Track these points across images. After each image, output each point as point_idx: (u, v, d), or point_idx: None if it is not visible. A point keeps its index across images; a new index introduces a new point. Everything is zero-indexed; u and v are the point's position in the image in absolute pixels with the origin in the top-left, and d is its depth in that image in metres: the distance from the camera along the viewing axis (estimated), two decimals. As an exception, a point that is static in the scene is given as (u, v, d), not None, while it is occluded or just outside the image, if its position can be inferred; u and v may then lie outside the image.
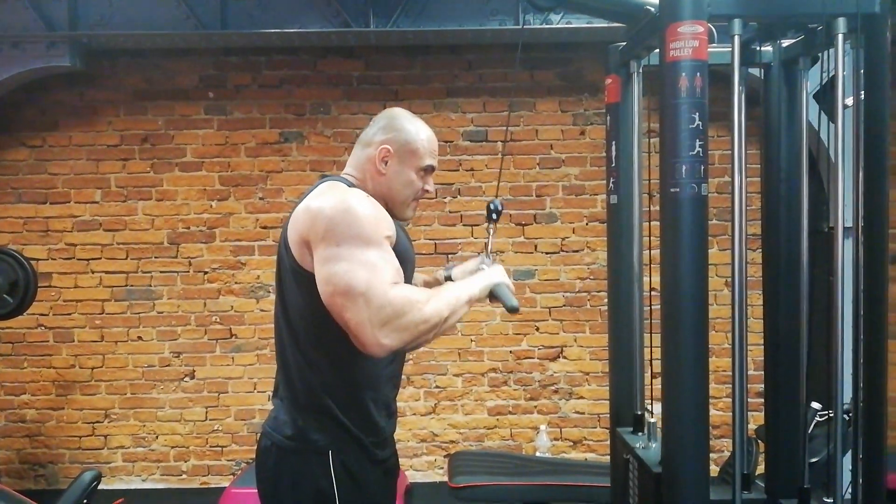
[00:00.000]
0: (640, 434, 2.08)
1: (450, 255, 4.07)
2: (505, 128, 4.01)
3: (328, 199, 1.49)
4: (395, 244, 1.51)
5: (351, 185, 1.60)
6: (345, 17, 3.68)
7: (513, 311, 1.58)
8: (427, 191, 1.66)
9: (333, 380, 1.54)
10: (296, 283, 1.52)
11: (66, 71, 3.83)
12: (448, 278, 1.86)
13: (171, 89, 4.06)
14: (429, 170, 1.64)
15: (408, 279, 1.60)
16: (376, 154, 1.60)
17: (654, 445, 1.97)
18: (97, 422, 4.11)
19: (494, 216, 1.82)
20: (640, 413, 2.13)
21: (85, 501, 2.26)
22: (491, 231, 1.82)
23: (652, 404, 2.10)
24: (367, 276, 1.40)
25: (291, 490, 1.55)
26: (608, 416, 2.33)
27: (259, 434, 1.67)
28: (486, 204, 1.83)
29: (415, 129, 1.62)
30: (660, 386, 1.73)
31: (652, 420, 2.01)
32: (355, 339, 1.43)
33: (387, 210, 1.62)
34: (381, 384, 1.60)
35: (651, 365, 2.10)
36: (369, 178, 1.62)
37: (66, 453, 4.13)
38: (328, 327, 1.47)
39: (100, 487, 2.34)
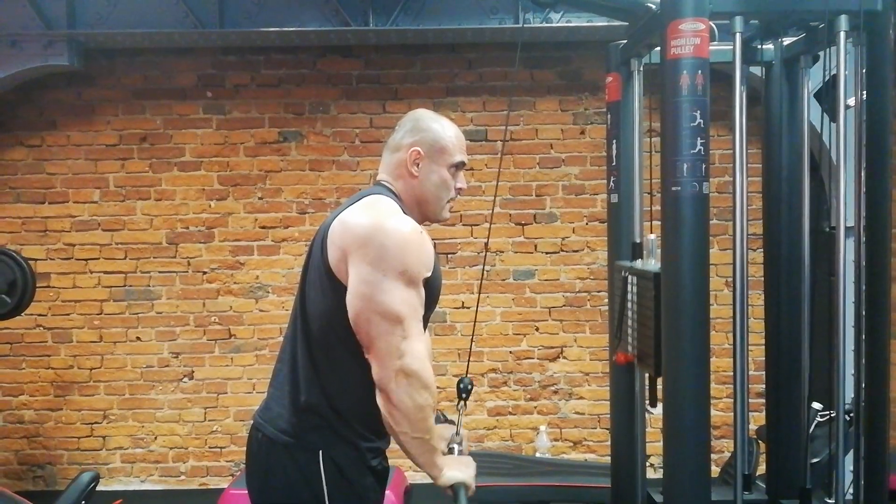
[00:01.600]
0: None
1: (449, 255, 4.06)
2: (506, 127, 4.00)
3: (384, 221, 1.49)
4: (432, 275, 1.54)
5: (394, 195, 1.61)
6: (344, 16, 3.67)
7: None
8: (460, 188, 1.67)
9: (334, 388, 1.54)
10: (321, 284, 1.53)
11: (64, 70, 3.82)
12: None
13: (170, 88, 4.05)
14: (460, 166, 1.65)
15: (433, 308, 1.62)
16: (407, 157, 1.61)
17: (652, 260, 1.95)
18: (96, 422, 4.10)
19: (464, 395, 1.85)
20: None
21: (83, 503, 2.24)
22: (460, 410, 1.84)
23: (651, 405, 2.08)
24: (412, 317, 1.46)
25: (281, 483, 1.55)
26: (608, 416, 2.32)
27: (251, 425, 1.67)
28: (457, 382, 1.85)
29: (440, 127, 1.63)
30: (660, 386, 1.72)
31: (651, 237, 1.98)
32: (375, 354, 1.46)
33: (423, 214, 1.66)
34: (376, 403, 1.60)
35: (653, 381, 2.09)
36: (403, 181, 1.63)
37: (65, 454, 4.11)
38: (340, 336, 1.49)
39: (98, 488, 2.33)
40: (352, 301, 1.47)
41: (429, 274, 1.53)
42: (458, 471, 1.60)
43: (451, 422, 1.81)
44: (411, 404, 1.46)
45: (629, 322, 1.97)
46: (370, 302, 1.45)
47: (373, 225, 1.49)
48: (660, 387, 1.76)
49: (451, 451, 1.72)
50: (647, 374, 1.95)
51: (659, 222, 1.70)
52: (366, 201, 1.57)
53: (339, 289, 1.49)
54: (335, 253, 1.50)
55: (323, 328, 1.53)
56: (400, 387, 1.45)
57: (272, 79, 4.05)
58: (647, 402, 1.96)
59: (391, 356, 1.45)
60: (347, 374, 1.52)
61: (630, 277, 1.95)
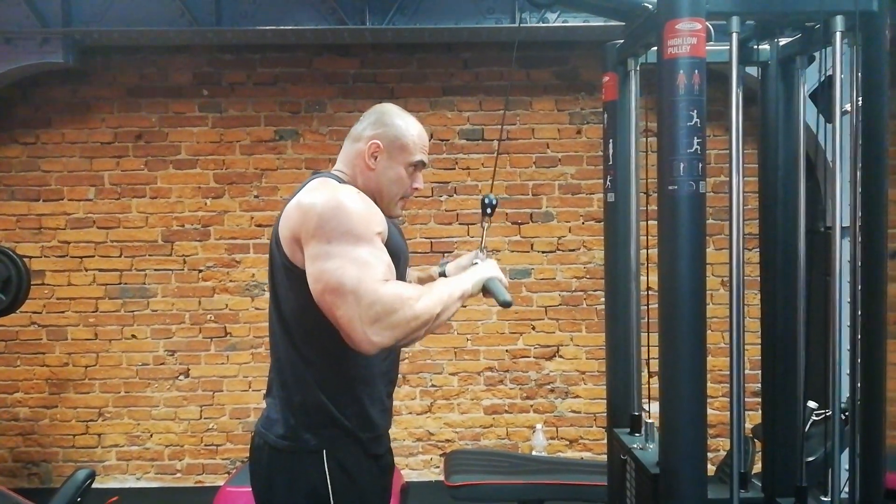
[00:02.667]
0: (637, 435, 2.07)
1: (445, 254, 4.06)
2: (501, 126, 4.01)
3: (319, 195, 1.48)
4: (387, 241, 1.51)
5: (341, 181, 1.59)
6: (340, 15, 3.67)
7: (505, 305, 1.57)
8: (416, 188, 1.65)
9: (327, 376, 1.53)
10: (287, 280, 1.51)
11: (59, 67, 3.81)
12: (442, 274, 1.86)
13: (166, 86, 4.04)
14: (419, 166, 1.63)
15: (401, 275, 1.60)
16: (366, 149, 1.59)
17: (651, 446, 1.96)
18: (91, 420, 4.09)
19: (489, 211, 1.82)
20: (637, 413, 2.12)
21: (79, 500, 2.24)
22: (485, 226, 1.82)
23: (649, 404, 2.09)
24: (357, 274, 1.39)
25: (285, 490, 1.54)
26: (604, 415, 2.33)
27: (252, 433, 1.66)
28: (481, 199, 1.83)
29: (405, 124, 1.61)
30: (657, 385, 1.72)
31: (649, 420, 2.01)
32: (346, 337, 1.42)
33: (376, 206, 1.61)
34: (376, 380, 1.60)
35: (648, 364, 2.10)
36: (359, 173, 1.61)
37: (60, 452, 4.10)
38: (321, 324, 1.46)
39: (94, 486, 2.33)
40: (310, 284, 1.44)
41: (381, 229, 1.49)
42: (483, 272, 1.59)
43: (450, 258, 1.84)
44: (401, 332, 1.41)
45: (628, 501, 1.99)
46: (322, 276, 1.41)
47: (312, 201, 1.47)
48: (655, 386, 1.76)
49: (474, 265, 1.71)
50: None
51: (655, 221, 1.70)
52: (306, 188, 1.55)
53: (302, 276, 1.46)
54: (289, 245, 1.49)
55: (303, 324, 1.52)
56: (383, 335, 1.39)
57: (268, 77, 4.04)
58: None
59: (355, 325, 1.39)
60: (338, 362, 1.51)
61: (629, 461, 1.96)
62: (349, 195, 1.48)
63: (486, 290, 1.59)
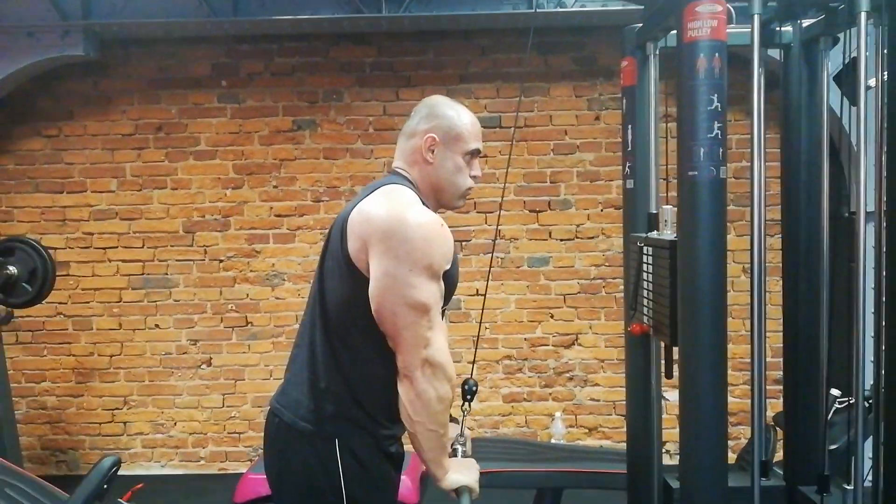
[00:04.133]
0: (654, 231, 2.04)
1: (464, 243, 4.06)
2: (517, 113, 3.98)
3: (408, 213, 1.49)
4: (449, 269, 1.54)
5: (413, 186, 1.60)
6: (356, 3, 3.66)
7: None
8: (475, 176, 1.66)
9: (352, 375, 1.55)
10: (340, 275, 1.53)
11: (80, 60, 3.85)
12: None
13: (185, 78, 4.06)
14: (475, 153, 1.65)
15: (450, 299, 1.63)
16: (422, 143, 1.61)
17: (668, 231, 1.94)
18: (116, 408, 4.16)
19: (469, 396, 1.83)
20: (654, 212, 2.09)
21: (105, 487, 2.28)
22: (465, 412, 1.82)
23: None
24: (434, 304, 1.48)
25: (299, 469, 1.56)
26: (623, 403, 2.32)
27: (267, 410, 1.68)
28: (462, 384, 1.83)
29: (456, 114, 1.63)
30: (677, 373, 1.71)
31: (668, 207, 1.96)
32: (403, 344, 1.47)
33: (439, 201, 1.65)
34: (395, 390, 1.60)
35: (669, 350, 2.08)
36: (418, 168, 1.63)
37: (87, 440, 4.19)
38: (360, 326, 1.50)
39: (119, 473, 2.36)
40: (376, 293, 1.47)
41: (448, 267, 1.53)
42: (463, 474, 1.60)
43: (455, 420, 1.79)
44: (433, 395, 1.47)
45: (644, 293, 1.96)
46: (396, 294, 1.45)
47: (394, 217, 1.48)
48: (676, 383, 1.75)
49: (454, 451, 1.71)
50: (662, 344, 1.94)
51: (675, 208, 1.69)
52: (383, 190, 1.56)
53: (358, 278, 1.50)
54: (355, 243, 1.50)
55: (341, 316, 1.54)
56: (425, 375, 1.46)
57: (286, 67, 4.05)
58: (664, 373, 1.94)
59: (417, 346, 1.46)
60: (366, 362, 1.53)
61: (645, 248, 1.94)
62: (436, 225, 1.51)
63: (455, 492, 1.57)
